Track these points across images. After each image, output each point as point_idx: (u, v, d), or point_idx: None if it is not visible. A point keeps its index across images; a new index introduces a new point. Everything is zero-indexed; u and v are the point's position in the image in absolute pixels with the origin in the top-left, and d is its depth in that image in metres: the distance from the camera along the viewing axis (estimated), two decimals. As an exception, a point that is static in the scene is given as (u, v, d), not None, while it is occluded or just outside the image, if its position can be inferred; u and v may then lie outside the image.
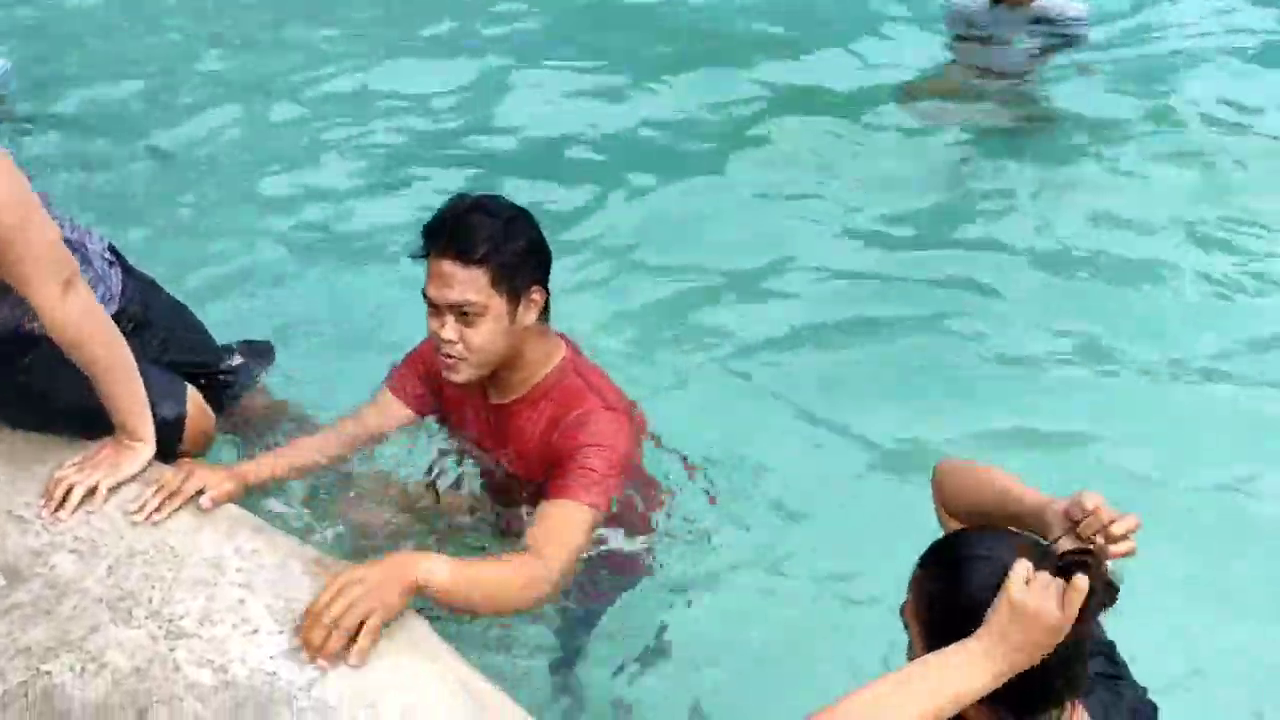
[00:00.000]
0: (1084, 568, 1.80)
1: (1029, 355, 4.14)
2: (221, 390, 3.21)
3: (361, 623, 2.17)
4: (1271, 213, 4.80)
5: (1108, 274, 4.54)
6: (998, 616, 1.79)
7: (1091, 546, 1.88)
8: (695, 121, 5.67)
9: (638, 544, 2.87)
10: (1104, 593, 1.82)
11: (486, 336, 2.61)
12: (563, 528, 2.53)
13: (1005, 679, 1.79)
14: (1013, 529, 1.96)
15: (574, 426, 2.66)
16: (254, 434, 3.37)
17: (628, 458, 2.68)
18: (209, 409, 2.90)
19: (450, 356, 2.65)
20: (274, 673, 2.15)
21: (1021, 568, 1.80)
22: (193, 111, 5.67)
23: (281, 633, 2.21)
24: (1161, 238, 4.70)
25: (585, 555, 2.61)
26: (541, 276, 2.67)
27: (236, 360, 3.28)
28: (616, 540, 2.75)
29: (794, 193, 5.11)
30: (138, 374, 2.55)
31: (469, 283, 2.56)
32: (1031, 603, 1.76)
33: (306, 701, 2.11)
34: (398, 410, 2.92)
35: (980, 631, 1.80)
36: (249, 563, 2.38)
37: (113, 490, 2.50)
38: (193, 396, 2.84)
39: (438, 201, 2.66)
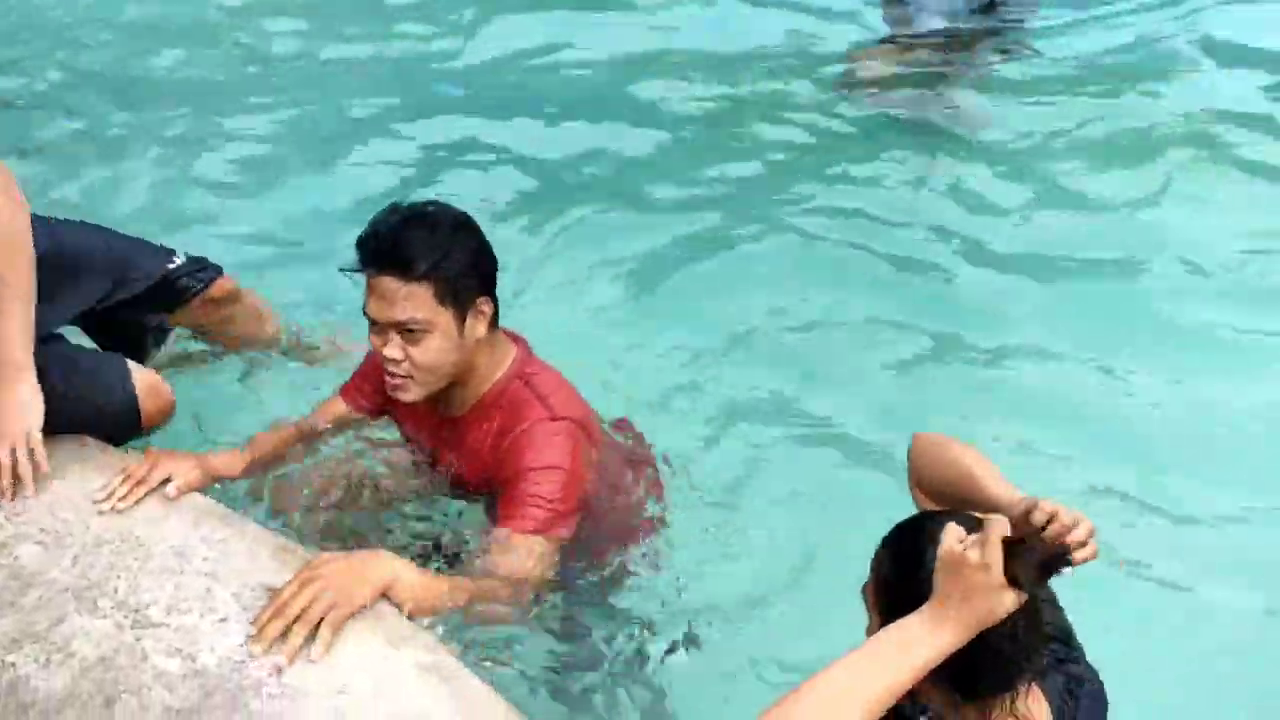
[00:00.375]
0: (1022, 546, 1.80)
1: (994, 336, 4.13)
2: (169, 293, 3.10)
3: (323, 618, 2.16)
4: (1226, 197, 4.82)
5: (1064, 256, 4.53)
6: (938, 579, 1.80)
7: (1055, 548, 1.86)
8: (626, 118, 5.49)
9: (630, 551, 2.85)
10: (1052, 562, 1.81)
11: (435, 354, 2.51)
12: (520, 559, 2.48)
13: (958, 641, 1.78)
14: (976, 514, 1.97)
15: (521, 444, 2.57)
16: (231, 342, 3.33)
17: (578, 472, 2.59)
18: (160, 383, 2.79)
19: (396, 375, 2.54)
20: (243, 661, 2.14)
21: (953, 530, 1.81)
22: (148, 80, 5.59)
23: (250, 621, 2.20)
24: (1110, 219, 4.70)
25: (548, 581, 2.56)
26: (488, 286, 2.57)
27: (178, 260, 3.12)
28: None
29: (740, 178, 5.04)
30: (34, 303, 2.49)
31: (413, 300, 2.46)
32: (967, 554, 1.77)
33: (277, 688, 2.10)
34: (351, 416, 2.88)
35: (928, 601, 1.81)
36: (215, 551, 2.36)
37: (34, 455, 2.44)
38: (139, 376, 2.76)
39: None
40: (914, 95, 5.41)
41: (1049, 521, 1.86)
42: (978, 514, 1.91)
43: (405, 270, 2.45)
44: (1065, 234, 4.64)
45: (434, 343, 2.50)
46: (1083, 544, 1.83)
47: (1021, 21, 5.68)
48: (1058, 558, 1.80)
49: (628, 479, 2.87)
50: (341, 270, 2.56)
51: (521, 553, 2.49)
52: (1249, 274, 4.41)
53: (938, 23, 5.58)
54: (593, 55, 5.86)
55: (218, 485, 2.65)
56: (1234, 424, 3.75)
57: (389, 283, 2.46)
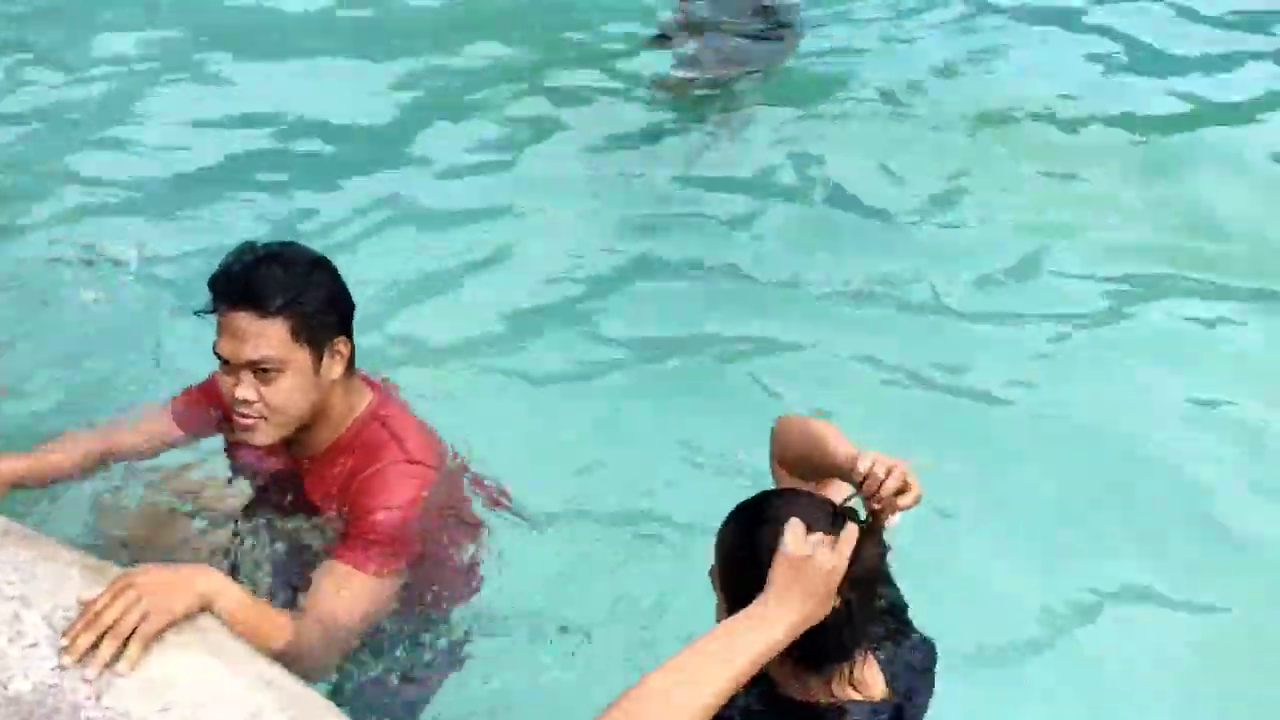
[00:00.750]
0: (853, 517, 1.92)
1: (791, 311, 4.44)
2: None
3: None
4: (966, 168, 5.38)
5: (854, 232, 4.93)
6: (777, 573, 1.88)
7: (878, 508, 1.98)
8: (425, 119, 5.67)
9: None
10: (877, 545, 1.94)
11: (289, 394, 2.47)
12: (351, 597, 2.45)
13: (798, 630, 1.88)
14: (813, 492, 2.07)
15: (372, 484, 2.54)
16: None
17: (423, 516, 2.58)
18: None
19: (249, 417, 2.48)
20: (58, 684, 2.07)
21: (793, 526, 1.90)
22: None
23: (65, 644, 2.13)
24: (891, 196, 5.13)
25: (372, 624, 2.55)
26: (345, 326, 2.55)
27: None
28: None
29: (531, 179, 5.20)
30: None
31: (267, 337, 2.42)
32: (805, 552, 1.87)
33: (96, 711, 2.04)
34: (175, 435, 2.79)
35: (765, 590, 1.89)
36: (21, 574, 2.27)
37: None
38: None
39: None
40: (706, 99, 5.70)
41: (866, 477, 1.98)
42: (817, 496, 2.03)
43: (259, 306, 2.41)
44: (851, 220, 5.02)
45: (288, 382, 2.46)
46: (903, 490, 1.95)
47: (792, 30, 5.98)
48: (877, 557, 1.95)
49: (471, 528, 2.87)
50: (196, 313, 2.49)
51: (353, 591, 2.46)
52: (1015, 248, 4.91)
53: (720, 35, 5.83)
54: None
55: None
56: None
57: (242, 319, 2.41)
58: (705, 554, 2.10)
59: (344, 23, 6.40)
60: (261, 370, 2.44)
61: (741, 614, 1.91)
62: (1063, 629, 3.29)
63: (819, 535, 1.90)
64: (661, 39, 5.97)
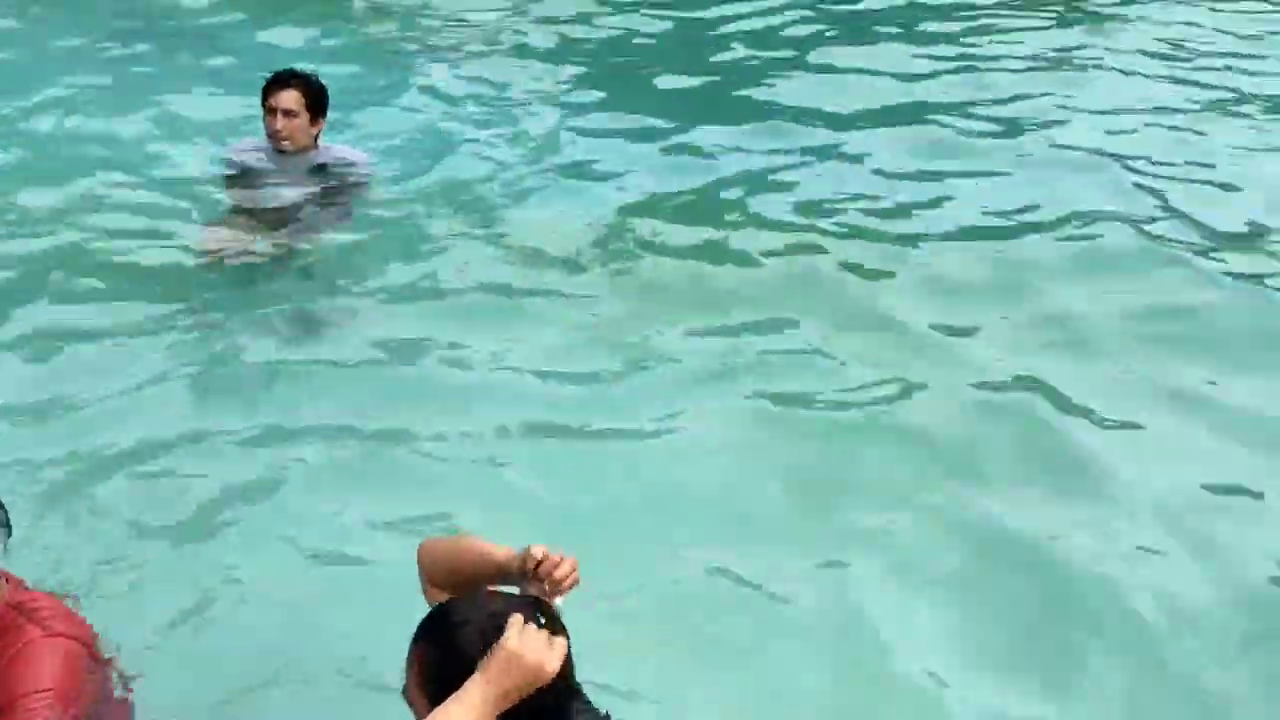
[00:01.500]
0: (549, 617, 2.07)
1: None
2: None
3: None
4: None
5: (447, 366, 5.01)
6: (495, 660, 1.99)
7: (548, 589, 2.18)
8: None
9: None
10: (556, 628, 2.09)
11: None
12: None
13: (496, 681, 1.98)
14: (493, 589, 2.19)
15: (16, 666, 2.40)
16: None
17: (77, 691, 2.44)
18: None
19: None
20: None
21: (517, 621, 2.02)
22: None
23: None
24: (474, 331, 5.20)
25: None
26: None
27: None
28: None
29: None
30: None
31: None
32: (529, 652, 1.99)
33: None
34: None
35: (476, 675, 1.99)
36: None
37: None
38: None
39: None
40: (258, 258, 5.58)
41: (540, 563, 2.17)
42: (494, 589, 2.18)
43: None
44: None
45: None
46: (568, 577, 2.18)
47: (355, 188, 5.99)
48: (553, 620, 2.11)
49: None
50: None
51: None
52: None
53: (281, 196, 5.78)
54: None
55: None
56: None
57: None
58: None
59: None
60: None
61: (455, 697, 1.99)
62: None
63: (534, 629, 2.02)
64: (233, 179, 5.86)
